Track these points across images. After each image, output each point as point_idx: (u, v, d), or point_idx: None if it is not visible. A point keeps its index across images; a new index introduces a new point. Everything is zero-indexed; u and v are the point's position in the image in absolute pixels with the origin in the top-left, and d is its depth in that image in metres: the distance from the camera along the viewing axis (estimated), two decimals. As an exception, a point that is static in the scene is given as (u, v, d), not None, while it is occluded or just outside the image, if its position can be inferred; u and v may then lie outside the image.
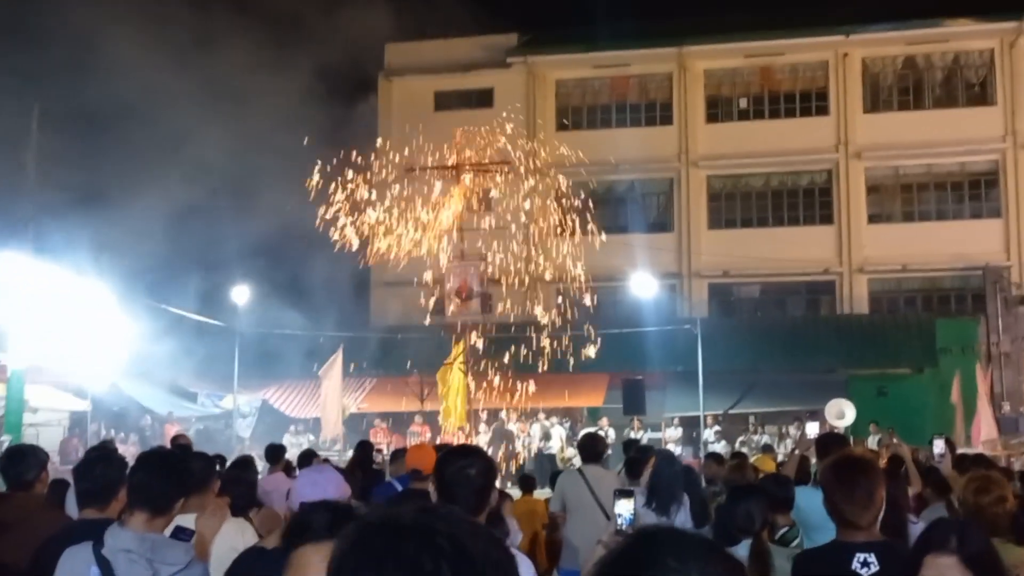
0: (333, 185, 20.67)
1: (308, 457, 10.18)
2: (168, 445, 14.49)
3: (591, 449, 8.39)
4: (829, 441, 6.83)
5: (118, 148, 25.52)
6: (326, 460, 10.33)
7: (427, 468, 6.16)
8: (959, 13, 30.51)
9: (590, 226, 28.38)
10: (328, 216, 20.64)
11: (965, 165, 30.69)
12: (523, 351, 23.93)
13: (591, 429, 23.02)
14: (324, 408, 24.44)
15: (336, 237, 20.51)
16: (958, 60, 31.27)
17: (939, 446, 6.39)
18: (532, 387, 25.06)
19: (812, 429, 7.18)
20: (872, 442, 21.81)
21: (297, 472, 8.92)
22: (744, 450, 22.96)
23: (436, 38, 34.17)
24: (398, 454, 9.28)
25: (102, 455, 5.37)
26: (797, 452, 7.22)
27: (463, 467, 3.40)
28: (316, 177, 20.57)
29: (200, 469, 4.99)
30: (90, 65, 25.44)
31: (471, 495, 3.36)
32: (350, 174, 20.77)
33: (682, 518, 7.44)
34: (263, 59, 28.73)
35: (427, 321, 21.92)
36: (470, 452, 3.58)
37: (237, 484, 5.67)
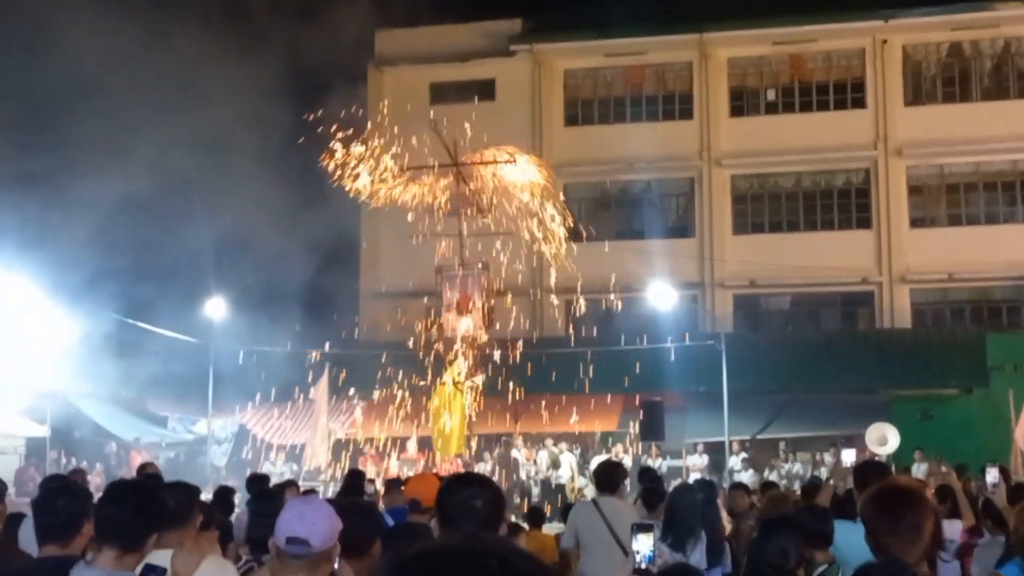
0: None
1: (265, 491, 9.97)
2: (134, 475, 14.49)
3: (607, 478, 8.40)
4: (869, 470, 6.81)
5: (80, 149, 25.59)
6: (310, 491, 10.29)
7: (428, 499, 6.17)
8: (1010, -5, 30.56)
9: (603, 231, 28.46)
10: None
11: (1017, 163, 30.68)
12: (529, 369, 23.93)
13: (604, 456, 23.07)
14: (311, 434, 24.45)
15: None
16: (1009, 47, 31.29)
17: (992, 475, 6.38)
18: (539, 409, 25.07)
19: (848, 456, 7.18)
20: (917, 471, 21.77)
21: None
22: (773, 477, 22.97)
23: (432, 24, 34.26)
24: (393, 484, 9.31)
25: (64, 486, 5.37)
26: (832, 482, 7.22)
27: (468, 498, 3.41)
28: None
29: (178, 501, 4.99)
30: (50, 51, 25.50)
31: (476, 528, 3.36)
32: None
33: (697, 556, 7.45)
34: (231, 45, 28.75)
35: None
36: (475, 481, 3.58)
37: (268, 517, 5.67)
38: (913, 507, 3.83)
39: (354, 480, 9.51)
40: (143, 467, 11.32)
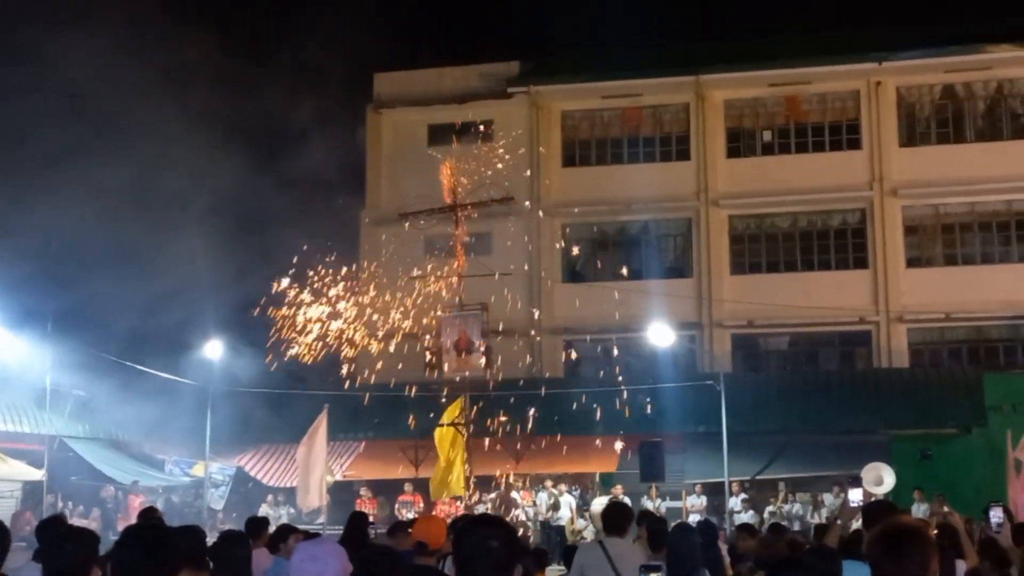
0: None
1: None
2: (134, 519, 14.43)
3: (616, 520, 8.40)
4: (877, 509, 6.82)
5: (76, 191, 25.74)
6: (314, 534, 10.25)
7: (435, 542, 6.19)
8: (1001, 38, 30.86)
9: (601, 271, 28.55)
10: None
11: (1012, 203, 30.85)
12: (528, 410, 23.92)
13: (606, 498, 23.01)
14: (302, 476, 24.33)
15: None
16: (1002, 89, 31.59)
17: (996, 515, 6.40)
18: (538, 450, 25.01)
19: (855, 496, 7.18)
20: (917, 511, 21.74)
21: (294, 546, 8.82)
22: (767, 515, 22.93)
23: (430, 67, 34.54)
24: (400, 526, 9.29)
25: (71, 530, 5.39)
26: (839, 522, 7.24)
27: (484, 538, 3.44)
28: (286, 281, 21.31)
29: (189, 545, 5.02)
30: (43, 98, 25.72)
31: (492, 570, 3.40)
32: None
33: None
34: (230, 88, 29.04)
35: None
36: (491, 522, 3.61)
37: (232, 561, 5.68)
38: (918, 545, 3.87)
39: (356, 524, 9.45)
40: (146, 512, 11.25)
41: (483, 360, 18.97)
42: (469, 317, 19.31)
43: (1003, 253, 31.01)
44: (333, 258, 21.91)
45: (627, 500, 24.29)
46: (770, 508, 24.66)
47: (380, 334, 21.81)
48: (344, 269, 21.76)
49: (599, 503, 23.33)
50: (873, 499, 19.04)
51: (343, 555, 4.10)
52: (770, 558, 7.66)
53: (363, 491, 26.32)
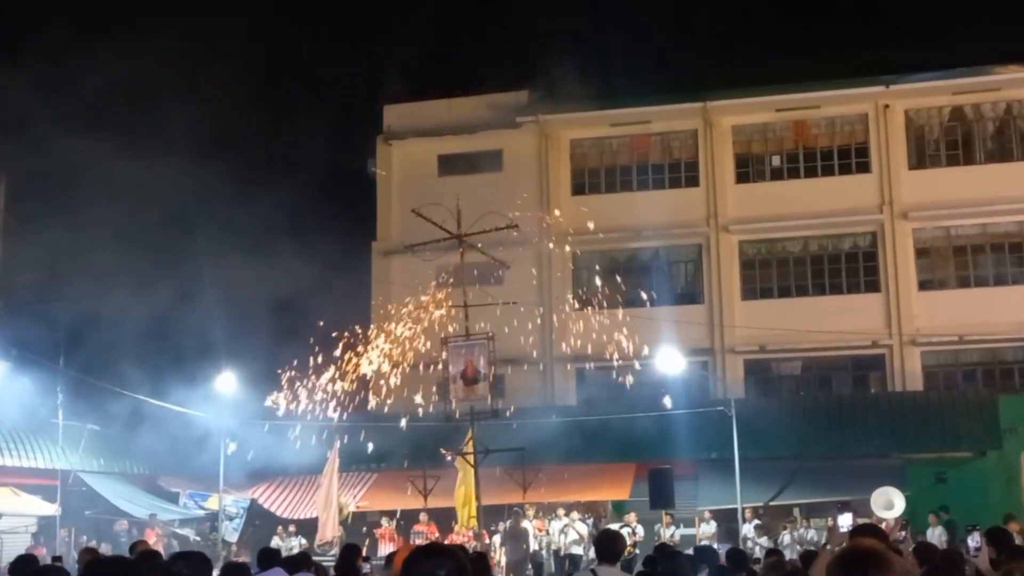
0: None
1: None
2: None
3: (609, 548, 8.42)
4: (865, 533, 6.81)
5: (93, 226, 26.00)
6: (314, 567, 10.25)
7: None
8: (1010, 59, 30.87)
9: (612, 299, 28.49)
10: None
11: (1023, 224, 30.76)
12: (539, 439, 23.89)
13: (615, 525, 22.92)
14: (322, 510, 24.39)
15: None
16: (1011, 110, 31.55)
17: (975, 539, 6.39)
18: (550, 479, 24.95)
19: (844, 521, 7.19)
20: (932, 535, 21.59)
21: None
22: (786, 543, 22.76)
23: (439, 98, 34.79)
24: (391, 558, 9.30)
25: (37, 571, 5.45)
26: (828, 547, 7.24)
27: (431, 569, 3.46)
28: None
29: (193, 571, 5.06)
30: (64, 140, 26.03)
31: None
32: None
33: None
34: (236, 124, 29.31)
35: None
36: (439, 552, 3.63)
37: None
38: (878, 568, 3.88)
39: (345, 556, 9.48)
40: (135, 545, 11.22)
41: (490, 389, 19.02)
42: (475, 346, 19.39)
43: (1016, 275, 30.86)
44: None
45: (640, 529, 24.35)
46: (785, 534, 24.52)
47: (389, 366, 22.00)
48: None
49: (600, 531, 23.24)
50: (884, 523, 18.93)
51: None
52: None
53: (384, 521, 26.29)
